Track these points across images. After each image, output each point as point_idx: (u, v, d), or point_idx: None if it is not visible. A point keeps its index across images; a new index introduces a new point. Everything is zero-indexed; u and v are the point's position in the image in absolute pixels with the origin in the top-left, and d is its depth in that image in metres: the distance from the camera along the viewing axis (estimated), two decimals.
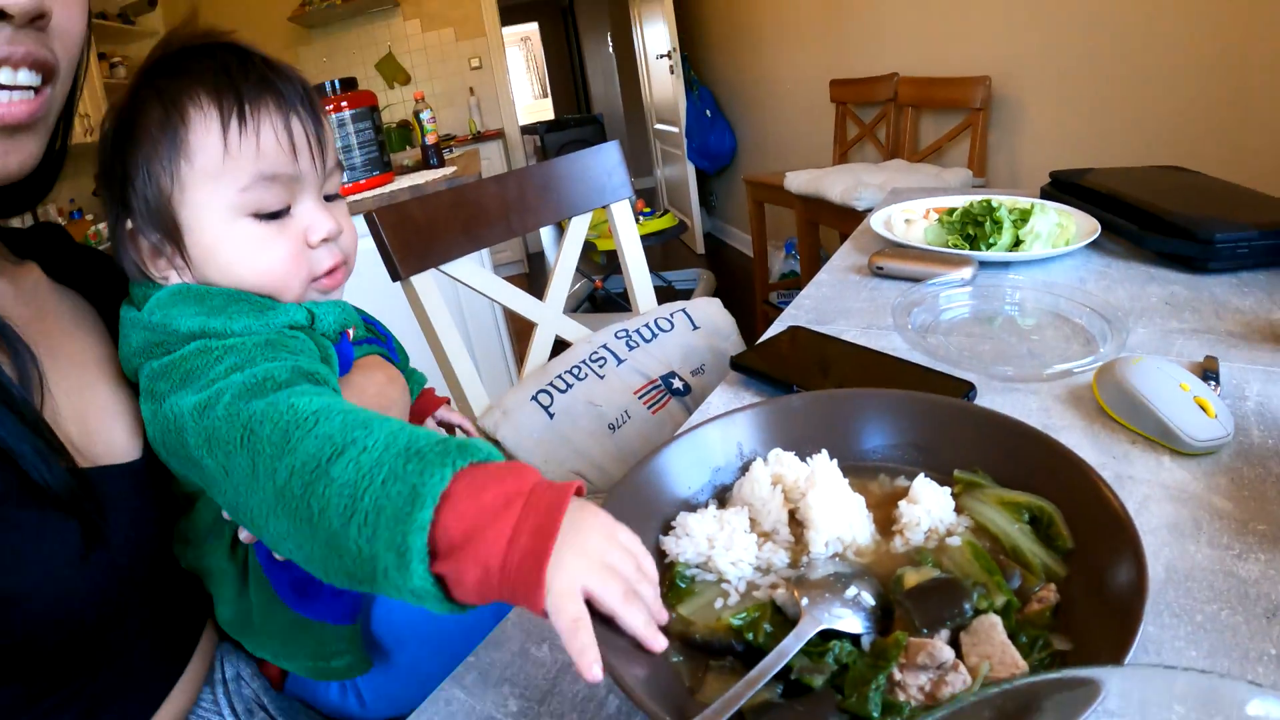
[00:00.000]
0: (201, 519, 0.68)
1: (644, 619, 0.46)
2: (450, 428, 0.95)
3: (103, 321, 0.74)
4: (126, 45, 5.96)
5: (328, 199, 0.71)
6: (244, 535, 0.67)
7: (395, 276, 1.15)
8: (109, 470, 0.63)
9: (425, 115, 2.66)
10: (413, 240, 1.16)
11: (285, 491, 0.51)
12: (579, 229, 1.37)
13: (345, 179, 2.37)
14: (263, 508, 0.53)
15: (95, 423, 0.65)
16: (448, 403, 0.98)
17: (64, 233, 0.83)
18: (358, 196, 2.34)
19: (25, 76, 0.56)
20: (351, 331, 0.75)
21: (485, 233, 1.25)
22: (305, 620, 0.70)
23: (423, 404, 0.95)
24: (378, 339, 0.84)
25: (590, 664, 0.41)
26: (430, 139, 2.66)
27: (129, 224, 0.68)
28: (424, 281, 1.17)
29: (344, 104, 2.35)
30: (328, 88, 2.39)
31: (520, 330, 2.48)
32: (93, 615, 0.59)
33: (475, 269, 1.23)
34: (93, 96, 4.94)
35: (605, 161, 1.41)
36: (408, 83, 5.52)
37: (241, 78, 0.65)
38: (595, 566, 0.45)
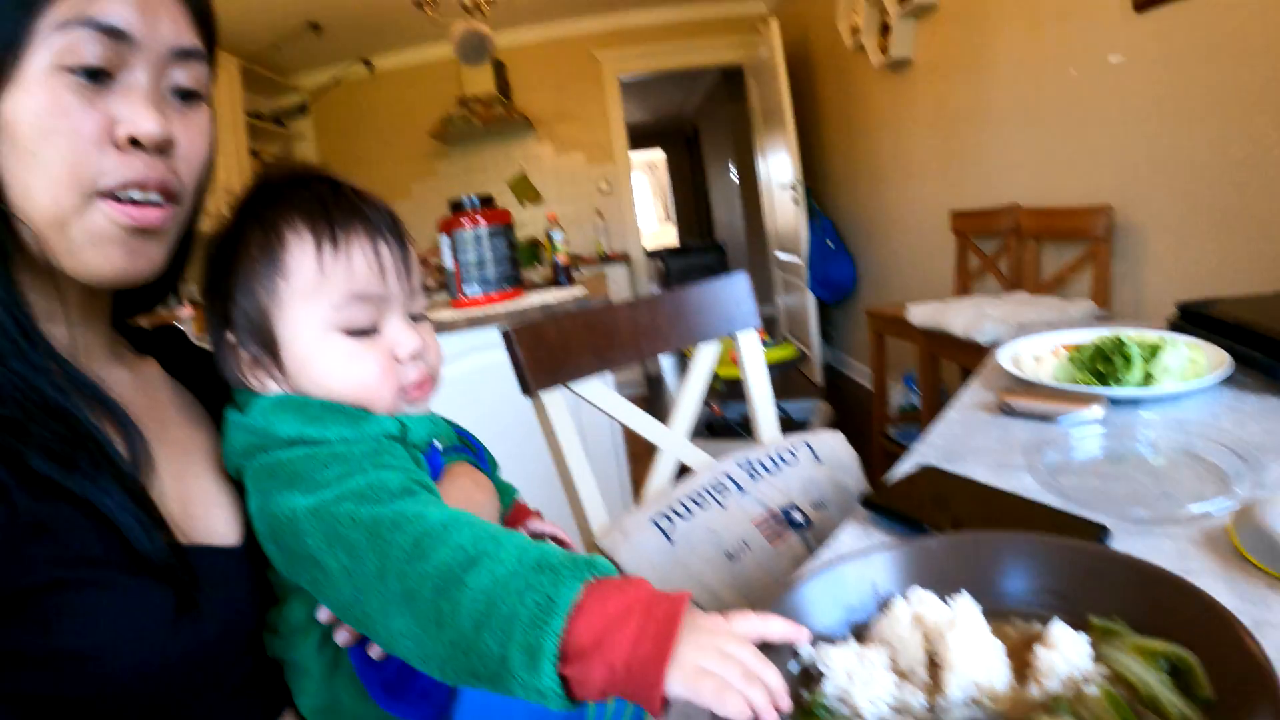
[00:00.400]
0: (293, 613, 0.71)
1: (764, 699, 0.48)
2: (541, 537, 0.97)
3: (210, 417, 0.81)
4: (276, 145, 6.46)
5: (413, 318, 0.77)
6: (340, 637, 0.70)
7: (525, 391, 1.19)
8: (206, 550, 0.68)
9: (558, 236, 2.76)
10: (544, 357, 1.20)
11: (415, 594, 0.56)
12: (708, 356, 1.38)
13: (478, 291, 2.46)
14: (384, 607, 0.58)
15: (197, 507, 0.71)
16: (538, 514, 1.00)
17: (182, 335, 0.92)
18: (489, 309, 2.42)
19: (156, 199, 0.64)
20: (440, 442, 0.80)
21: (615, 355, 1.28)
22: (393, 718, 0.72)
23: (514, 514, 0.98)
24: (467, 449, 0.88)
25: (763, 680, 0.49)
26: (561, 259, 2.75)
27: (230, 337, 0.74)
28: (552, 398, 1.20)
29: (481, 219, 2.46)
30: (466, 203, 2.51)
31: (635, 452, 2.49)
32: (175, 684, 0.62)
33: (602, 390, 1.25)
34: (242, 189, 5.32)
35: (735, 291, 1.44)
36: (539, 202, 5.75)
37: (334, 206, 0.72)
38: (713, 654, 0.50)
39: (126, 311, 0.83)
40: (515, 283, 2.54)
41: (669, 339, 1.35)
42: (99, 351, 0.74)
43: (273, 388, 0.74)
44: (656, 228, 13.04)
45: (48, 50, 0.59)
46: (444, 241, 2.51)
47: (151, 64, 0.63)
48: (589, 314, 1.28)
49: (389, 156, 6.50)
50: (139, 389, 0.76)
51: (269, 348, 0.72)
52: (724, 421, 3.72)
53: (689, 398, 1.36)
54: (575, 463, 1.21)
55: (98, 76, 0.61)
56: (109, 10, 0.60)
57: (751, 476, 1.25)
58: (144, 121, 0.61)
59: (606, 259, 6.04)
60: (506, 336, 1.19)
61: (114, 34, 0.60)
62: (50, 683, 0.56)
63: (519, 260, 2.57)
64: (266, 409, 0.70)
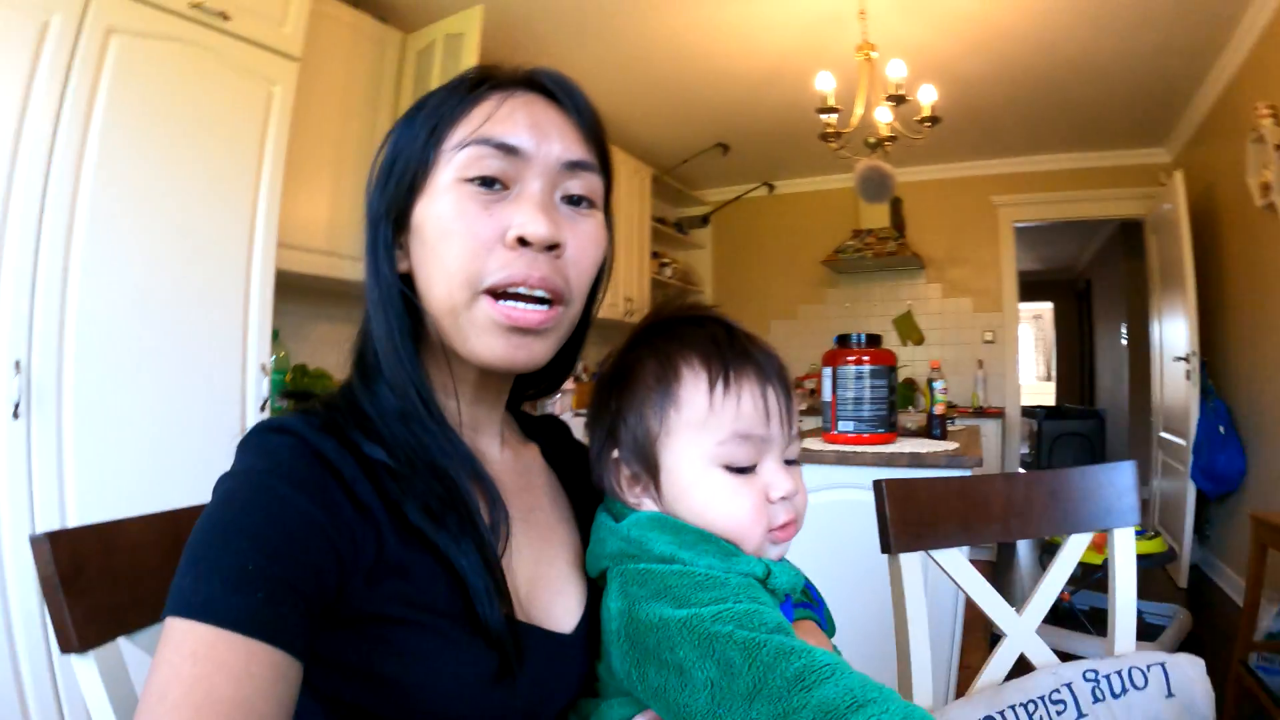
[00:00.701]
0: (612, 711, 0.72)
1: None
2: None
3: (571, 509, 0.88)
4: (676, 250, 7.03)
5: (787, 462, 0.79)
6: None
7: (886, 549, 1.23)
8: (539, 631, 0.73)
9: (938, 385, 2.76)
10: (912, 518, 1.23)
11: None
12: (1077, 548, 1.33)
13: (851, 428, 2.53)
14: None
15: (542, 591, 0.77)
16: None
17: (565, 429, 1.02)
18: (860, 448, 2.48)
19: (539, 294, 0.70)
20: (794, 594, 0.80)
21: (981, 528, 1.28)
22: None
23: None
24: (811, 604, 0.89)
25: None
26: (939, 409, 2.74)
27: (614, 452, 0.79)
28: (910, 561, 1.22)
29: (865, 358, 2.54)
30: (853, 339, 2.60)
31: (969, 620, 2.38)
32: None
33: (961, 561, 1.26)
34: (640, 285, 5.86)
35: (1119, 482, 1.37)
36: (920, 343, 5.70)
37: (728, 347, 0.76)
38: None
39: (522, 396, 0.94)
40: (889, 426, 2.57)
41: (1041, 523, 1.32)
42: (488, 429, 0.83)
43: (648, 505, 0.78)
44: (1034, 383, 12.29)
45: (452, 165, 0.71)
46: (826, 373, 2.62)
47: (543, 175, 0.72)
48: (964, 482, 1.30)
49: (780, 277, 6.83)
50: (517, 471, 0.85)
51: (651, 470, 0.77)
52: (1070, 609, 3.42)
53: (1047, 590, 1.31)
54: (916, 632, 1.21)
55: (495, 185, 0.71)
56: (504, 130, 0.71)
57: (1094, 697, 1.18)
58: (531, 224, 0.68)
59: (981, 412, 5.80)
60: (878, 488, 1.23)
61: (508, 150, 0.70)
62: (366, 698, 0.62)
63: (895, 403, 2.60)
64: (643, 523, 0.74)
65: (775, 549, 0.78)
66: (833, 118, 3.78)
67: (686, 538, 0.73)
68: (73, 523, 2.08)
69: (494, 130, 0.71)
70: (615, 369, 0.82)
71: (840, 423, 2.59)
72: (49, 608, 0.74)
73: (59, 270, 2.14)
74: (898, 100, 3.52)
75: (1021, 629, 1.27)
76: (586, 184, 0.76)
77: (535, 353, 0.73)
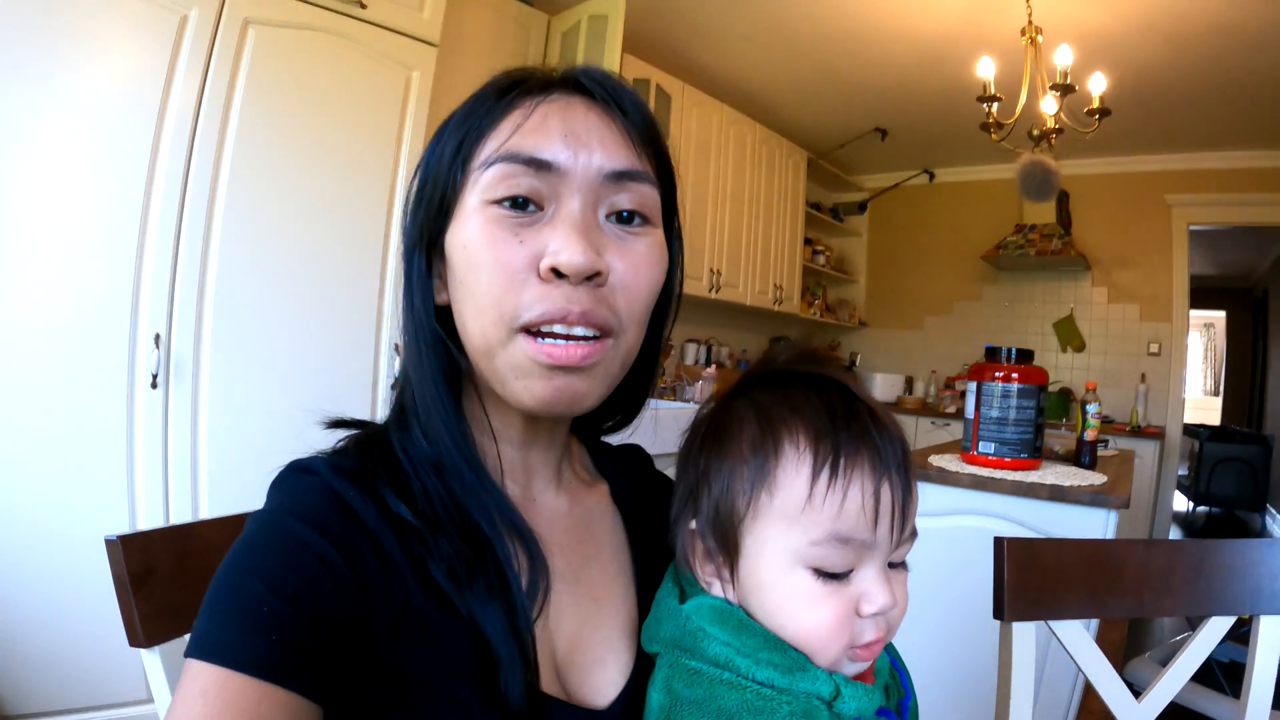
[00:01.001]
0: None
1: None
2: None
3: (633, 561, 0.79)
4: (831, 237, 6.85)
5: (891, 565, 0.66)
6: None
7: (998, 615, 1.11)
8: (566, 707, 0.65)
9: (1091, 409, 2.53)
10: (1032, 584, 1.11)
11: None
12: (1215, 633, 1.17)
13: (991, 450, 2.37)
14: None
15: (584, 655, 0.69)
16: None
17: (645, 457, 0.91)
18: (997, 473, 2.33)
19: (580, 332, 0.61)
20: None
21: (1111, 601, 1.14)
22: None
23: None
24: (891, 711, 0.75)
25: None
26: (1090, 435, 2.53)
27: (692, 522, 0.68)
28: (1023, 631, 1.10)
29: (1014, 375, 2.36)
30: (1003, 353, 2.42)
31: (1087, 707, 2.20)
32: None
33: (1083, 637, 1.13)
34: (792, 273, 5.78)
35: (1273, 562, 1.20)
36: (1081, 350, 5.37)
37: (844, 427, 0.63)
38: None
39: (598, 429, 0.85)
40: (1033, 451, 2.39)
41: (1179, 600, 1.17)
42: (541, 473, 0.75)
43: (716, 590, 0.68)
44: (1199, 397, 11.38)
45: (479, 186, 0.62)
46: (970, 388, 2.46)
47: (582, 191, 0.62)
48: (1095, 545, 1.16)
49: (936, 269, 6.52)
50: (573, 518, 0.76)
51: (729, 552, 0.66)
52: (1207, 662, 3.10)
53: (1174, 679, 1.16)
54: (1019, 708, 1.10)
55: (528, 206, 0.62)
56: (534, 143, 0.62)
57: None
58: (566, 252, 0.59)
59: (1139, 432, 5.27)
60: (999, 546, 1.11)
61: (539, 165, 0.61)
62: None
63: (1042, 428, 2.42)
64: (705, 613, 0.66)
65: (853, 666, 0.66)
66: (994, 107, 3.54)
67: (748, 641, 0.64)
68: (204, 489, 2.29)
69: (523, 143, 0.62)
70: (712, 419, 0.70)
71: (981, 443, 2.42)
72: (119, 604, 0.79)
73: (199, 250, 2.27)
74: (1064, 89, 3.24)
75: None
76: (637, 197, 0.65)
77: (581, 393, 0.64)
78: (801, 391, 0.66)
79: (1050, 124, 3.50)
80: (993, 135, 3.65)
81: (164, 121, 2.19)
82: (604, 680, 0.69)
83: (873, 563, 0.64)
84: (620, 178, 0.64)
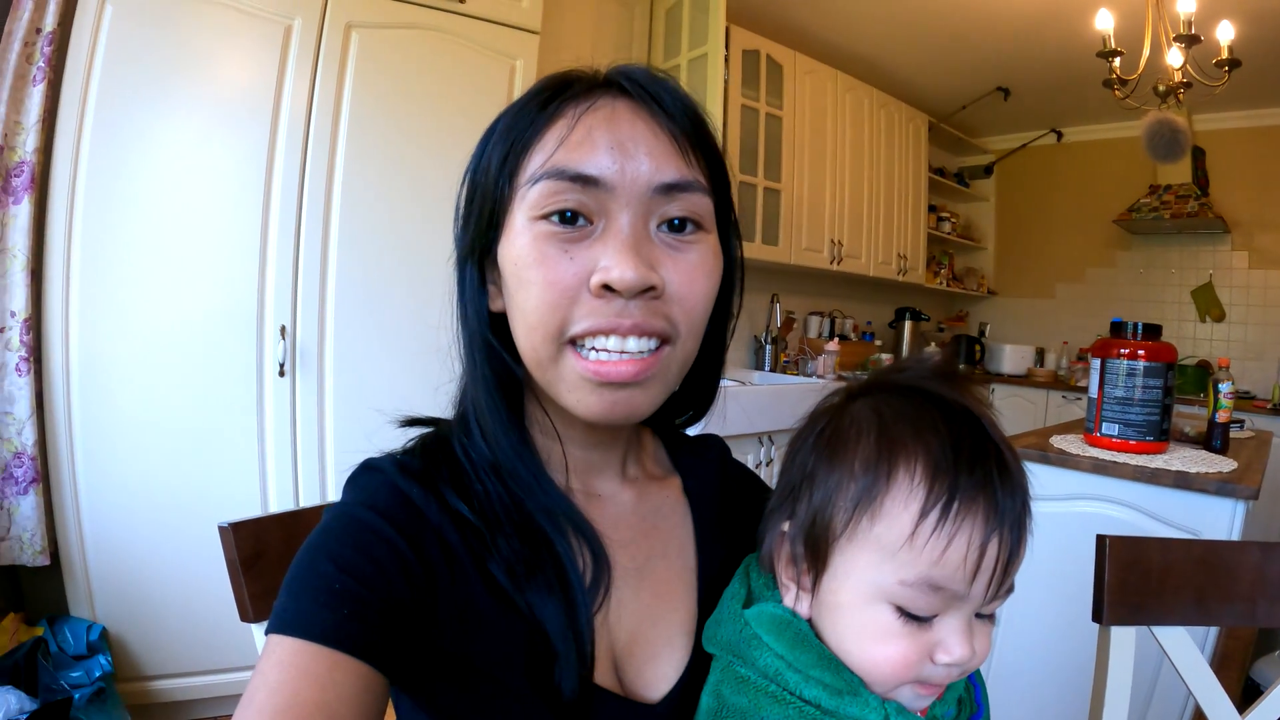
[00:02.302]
0: None
1: None
2: None
3: (697, 556, 0.78)
4: (957, 203, 6.62)
5: (978, 616, 0.63)
6: None
7: (1097, 618, 1.06)
8: (617, 700, 0.67)
9: (1224, 387, 2.34)
10: (1135, 585, 1.06)
11: None
12: None
13: (1115, 433, 2.26)
14: None
15: (643, 649, 0.70)
16: None
17: (723, 448, 0.90)
18: (1119, 457, 2.22)
19: (634, 344, 0.61)
20: None
21: (1221, 609, 1.08)
22: None
23: None
24: None
25: None
26: (1221, 416, 2.36)
27: (786, 524, 0.67)
28: (1123, 636, 1.05)
29: (1140, 352, 2.22)
30: (1128, 329, 2.28)
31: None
32: None
33: (1190, 648, 1.06)
34: (916, 241, 5.63)
35: None
36: (1221, 319, 5.01)
37: (966, 469, 0.58)
38: None
39: (670, 423, 0.86)
40: (1160, 434, 2.25)
41: None
42: (605, 470, 0.76)
43: (790, 598, 0.66)
44: None
45: (526, 202, 0.62)
46: (1094, 365, 2.33)
47: (631, 204, 0.62)
48: (1207, 546, 1.10)
49: (1068, 234, 6.19)
50: (639, 514, 0.77)
51: (816, 564, 0.64)
52: None
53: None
54: (1113, 718, 1.04)
55: (577, 220, 0.62)
56: (580, 157, 0.61)
57: None
58: (618, 269, 0.59)
59: None
60: (1101, 544, 1.06)
61: (586, 180, 0.61)
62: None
63: (1170, 408, 2.27)
64: (765, 621, 0.64)
65: (913, 699, 0.63)
66: (1116, 62, 3.34)
67: (801, 657, 0.62)
68: (331, 467, 2.45)
69: (568, 159, 0.61)
70: (831, 417, 0.67)
71: (1104, 424, 2.29)
72: (232, 584, 0.88)
73: (318, 245, 2.40)
74: (1189, 40, 3.02)
75: None
76: (688, 205, 0.64)
77: (637, 405, 0.64)
78: (931, 416, 0.62)
79: (1177, 78, 3.26)
80: (1116, 92, 3.44)
81: (278, 126, 2.32)
82: (659, 675, 0.70)
83: (960, 613, 0.61)
84: (670, 189, 0.63)
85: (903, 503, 0.59)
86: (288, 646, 0.55)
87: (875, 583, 0.60)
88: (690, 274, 0.64)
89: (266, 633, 0.57)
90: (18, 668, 1.98)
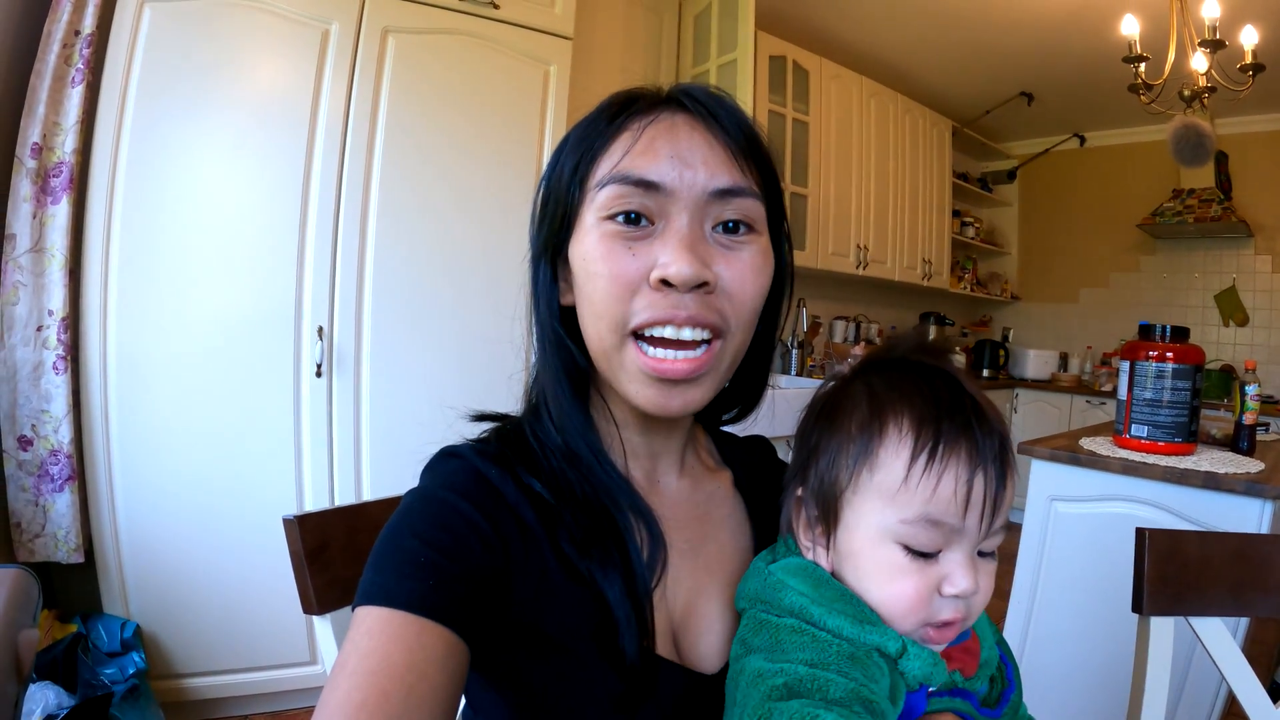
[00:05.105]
0: None
1: None
2: None
3: (753, 542, 0.85)
4: (981, 208, 6.61)
5: (981, 554, 0.70)
6: None
7: (1136, 608, 1.09)
8: (676, 669, 0.72)
9: (1250, 390, 2.36)
10: (1173, 577, 1.09)
11: None
12: None
13: (1144, 434, 2.28)
14: None
15: (696, 624, 0.76)
16: None
17: (769, 448, 0.98)
18: (1148, 458, 2.24)
19: (689, 333, 0.68)
20: (933, 684, 0.70)
21: (1257, 599, 1.11)
22: None
23: None
24: (971, 693, 0.74)
25: None
26: (1248, 418, 2.37)
27: (799, 491, 0.74)
28: (1162, 626, 1.08)
29: (1169, 355, 2.24)
30: (1157, 331, 2.30)
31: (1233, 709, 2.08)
32: None
33: (1225, 639, 1.09)
34: (940, 246, 5.63)
35: None
36: (1244, 324, 4.99)
37: (946, 416, 0.66)
38: None
39: (719, 420, 0.91)
40: (1188, 436, 2.27)
41: None
42: (664, 458, 0.82)
43: (815, 554, 0.73)
44: None
45: (594, 205, 0.69)
46: (1123, 368, 2.34)
47: (689, 208, 0.68)
48: (1245, 540, 1.13)
49: (1091, 239, 6.16)
50: (693, 502, 0.83)
51: (830, 521, 0.71)
52: None
53: None
54: (1152, 705, 1.07)
55: (640, 221, 0.68)
56: (643, 165, 0.68)
57: None
58: (675, 265, 0.65)
59: None
60: (1140, 537, 1.10)
61: (649, 185, 0.67)
62: (519, 706, 0.69)
63: (1198, 410, 2.29)
64: (790, 568, 0.71)
65: (928, 646, 0.69)
66: (1141, 67, 3.35)
67: (825, 592, 0.68)
68: (366, 468, 2.46)
69: (633, 165, 0.68)
70: (827, 400, 0.76)
71: (1134, 426, 2.31)
72: (295, 576, 0.90)
73: (355, 248, 2.43)
74: (1214, 45, 3.04)
75: None
76: (741, 209, 0.71)
77: (690, 399, 0.71)
78: (913, 380, 0.70)
79: (1201, 83, 3.28)
80: (1141, 97, 3.45)
81: (315, 130, 2.35)
82: (713, 648, 0.76)
83: (961, 548, 0.67)
84: (724, 194, 0.69)
85: (894, 451, 0.67)
86: (377, 615, 0.59)
87: (881, 525, 0.68)
88: (741, 271, 0.70)
89: (354, 607, 0.62)
90: (55, 663, 2.01)
